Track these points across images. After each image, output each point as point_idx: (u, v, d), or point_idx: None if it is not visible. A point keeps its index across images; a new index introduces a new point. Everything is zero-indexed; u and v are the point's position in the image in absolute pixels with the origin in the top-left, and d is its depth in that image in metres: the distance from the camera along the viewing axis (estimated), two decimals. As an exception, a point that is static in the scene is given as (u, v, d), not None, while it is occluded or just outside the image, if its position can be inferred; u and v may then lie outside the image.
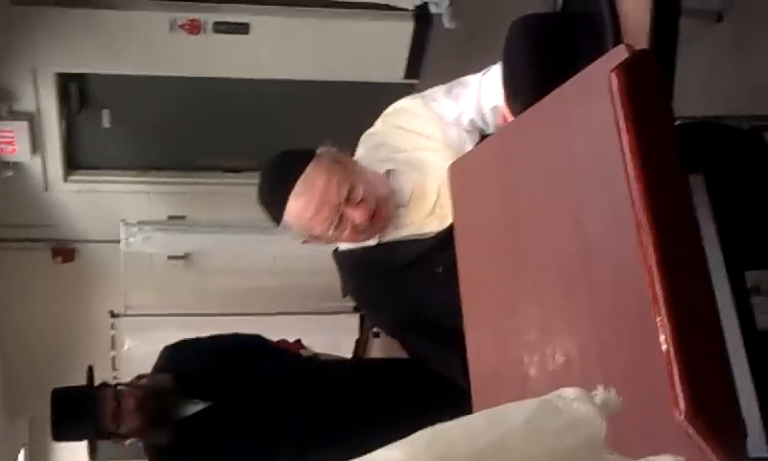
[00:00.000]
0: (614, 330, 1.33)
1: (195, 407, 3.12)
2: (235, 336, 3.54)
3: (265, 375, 3.21)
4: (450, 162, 1.99)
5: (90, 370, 3.34)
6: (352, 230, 2.18)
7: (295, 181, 2.14)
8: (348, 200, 2.14)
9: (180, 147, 6.58)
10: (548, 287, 1.52)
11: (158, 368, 3.31)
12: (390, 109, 2.36)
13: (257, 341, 3.49)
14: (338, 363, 3.69)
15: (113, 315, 6.43)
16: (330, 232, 2.17)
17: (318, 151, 2.20)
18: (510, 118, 2.00)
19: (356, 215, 2.15)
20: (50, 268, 6.77)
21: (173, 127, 6.40)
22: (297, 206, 2.15)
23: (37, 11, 5.48)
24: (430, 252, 2.23)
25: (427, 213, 2.23)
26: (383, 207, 2.21)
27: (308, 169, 2.15)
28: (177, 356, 3.32)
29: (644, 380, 1.22)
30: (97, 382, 3.27)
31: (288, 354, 3.47)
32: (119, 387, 3.22)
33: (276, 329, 5.21)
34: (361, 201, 2.15)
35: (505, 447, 0.89)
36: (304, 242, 2.30)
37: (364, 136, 2.39)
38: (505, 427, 0.91)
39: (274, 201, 2.20)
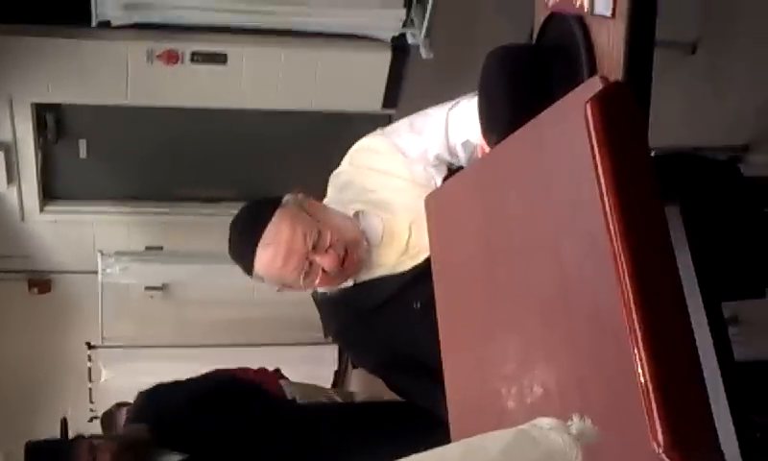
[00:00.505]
0: (593, 362, 1.33)
1: (172, 459, 3.07)
2: (213, 379, 3.49)
3: (242, 423, 3.16)
4: (418, 199, 1.98)
5: (64, 422, 3.29)
6: (323, 276, 2.17)
7: (261, 233, 2.14)
8: (315, 248, 2.13)
9: (158, 177, 6.56)
10: (526, 319, 1.52)
11: (133, 417, 3.26)
12: (355, 147, 2.34)
13: (235, 385, 3.44)
14: (320, 407, 3.64)
15: (90, 346, 6.38)
16: (301, 281, 2.16)
17: (283, 200, 2.20)
18: (488, 150, 2.00)
19: (325, 262, 2.15)
20: (26, 299, 6.72)
21: (150, 157, 6.38)
22: (265, 257, 2.15)
23: (14, 40, 5.47)
24: (406, 288, 2.22)
25: (400, 252, 2.22)
26: (353, 252, 2.19)
27: (273, 220, 2.15)
28: (152, 404, 3.26)
29: (622, 413, 1.21)
30: (72, 430, 3.22)
31: (267, 399, 3.42)
32: (94, 441, 3.17)
33: (254, 360, 5.15)
34: (329, 247, 2.14)
35: (481, 479, 0.88)
36: (279, 290, 2.29)
37: (332, 177, 2.38)
38: (481, 458, 0.90)
39: (242, 254, 2.20)
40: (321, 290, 2.36)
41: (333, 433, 3.11)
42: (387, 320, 2.29)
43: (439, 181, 2.17)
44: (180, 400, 3.22)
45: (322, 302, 2.39)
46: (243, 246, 2.19)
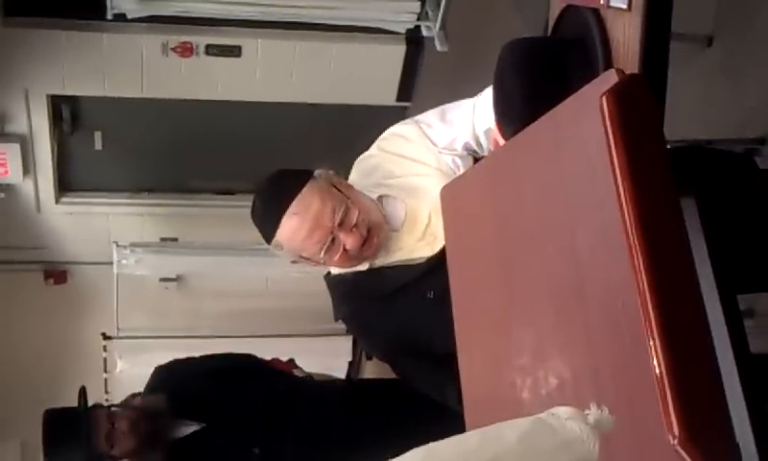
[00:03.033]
0: (607, 354, 1.33)
1: (188, 429, 3.10)
2: (229, 356, 3.53)
3: (258, 395, 3.19)
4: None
5: (83, 390, 3.32)
6: (343, 254, 2.18)
7: (290, 201, 2.14)
8: (341, 224, 2.14)
9: (173, 169, 6.58)
10: (541, 310, 1.52)
11: (151, 388, 3.30)
12: (384, 134, 2.36)
13: (251, 361, 3.48)
14: (332, 384, 3.68)
15: (105, 337, 6.41)
16: (321, 255, 2.17)
17: (315, 173, 2.21)
18: (501, 142, 2.01)
19: (348, 240, 2.16)
20: (42, 290, 6.75)
21: (165, 149, 6.40)
22: (290, 226, 2.15)
23: (30, 33, 5.49)
24: (421, 277, 2.23)
25: (418, 239, 2.24)
26: (375, 234, 2.21)
27: (304, 190, 2.15)
28: (169, 377, 3.30)
29: (637, 404, 1.22)
30: (90, 403, 3.25)
31: (281, 375, 3.46)
32: (112, 408, 3.20)
33: (268, 352, 5.18)
34: (354, 226, 2.16)
35: (499, 467, 0.88)
36: (294, 262, 2.30)
37: (358, 161, 2.40)
38: (498, 447, 0.90)
39: (267, 219, 2.20)
40: (334, 271, 2.37)
41: (345, 413, 3.14)
42: (399, 307, 2.30)
43: (463, 171, 2.19)
44: (196, 374, 3.26)
45: (334, 284, 2.40)
46: (269, 212, 2.19)
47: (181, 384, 3.24)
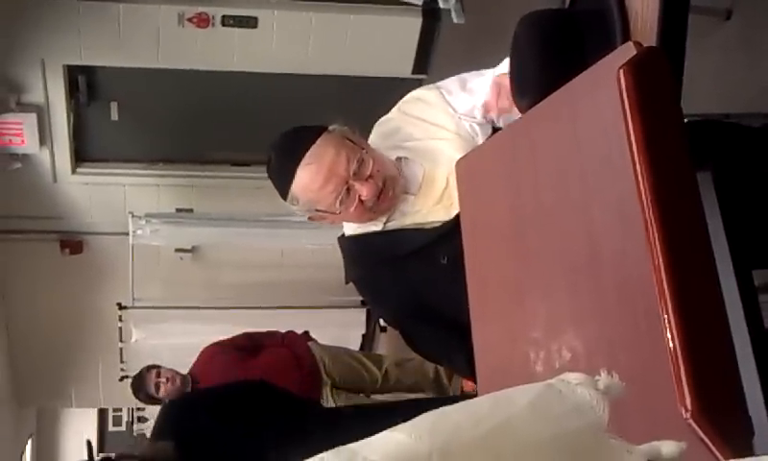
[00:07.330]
0: (621, 327, 1.33)
1: None
2: (236, 387, 3.51)
3: (267, 432, 3.18)
4: (461, 152, 2.00)
5: (89, 445, 3.33)
6: (359, 205, 2.19)
7: (304, 152, 2.15)
8: (356, 174, 2.15)
9: (188, 140, 6.59)
10: (555, 284, 1.52)
11: (158, 432, 3.29)
12: (406, 97, 2.38)
13: (261, 388, 3.46)
14: (345, 409, 3.66)
15: (121, 307, 6.45)
16: (337, 206, 2.18)
17: (329, 127, 2.22)
18: (493, 110, 2.02)
19: (364, 190, 2.16)
20: (58, 260, 6.79)
21: (181, 120, 6.41)
22: (305, 176, 2.16)
23: (47, 2, 5.50)
24: (435, 242, 2.23)
25: (435, 202, 2.25)
26: (390, 187, 2.22)
27: (319, 141, 2.17)
28: (175, 420, 3.29)
29: (650, 378, 1.22)
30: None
31: (292, 402, 3.43)
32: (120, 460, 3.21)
33: (283, 323, 5.22)
34: (369, 176, 2.17)
35: (509, 430, 0.89)
36: (310, 218, 2.30)
37: (378, 123, 2.41)
38: (509, 411, 0.91)
39: (282, 171, 2.21)
40: (348, 233, 2.38)
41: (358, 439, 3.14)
42: (412, 271, 2.30)
43: (481, 138, 2.20)
44: (203, 413, 3.24)
45: (347, 245, 2.41)
46: (284, 164, 2.20)
47: (187, 427, 3.22)
